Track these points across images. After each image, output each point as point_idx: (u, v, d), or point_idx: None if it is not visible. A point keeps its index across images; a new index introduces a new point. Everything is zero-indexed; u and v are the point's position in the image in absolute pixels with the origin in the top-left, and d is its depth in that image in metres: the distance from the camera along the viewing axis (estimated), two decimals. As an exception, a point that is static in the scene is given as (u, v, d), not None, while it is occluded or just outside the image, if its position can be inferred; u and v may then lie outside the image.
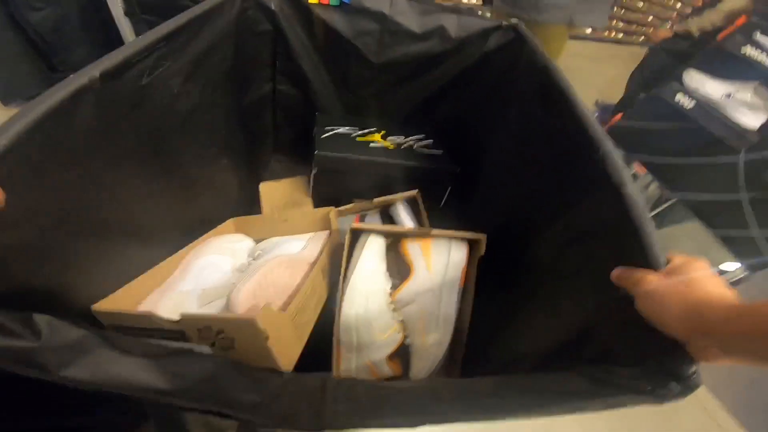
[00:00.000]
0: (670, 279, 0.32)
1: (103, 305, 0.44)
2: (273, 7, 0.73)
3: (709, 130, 1.11)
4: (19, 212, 0.32)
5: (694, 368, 0.30)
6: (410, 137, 0.91)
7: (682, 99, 1.12)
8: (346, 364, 0.56)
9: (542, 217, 0.53)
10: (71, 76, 0.39)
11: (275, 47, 0.80)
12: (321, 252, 0.62)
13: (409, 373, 0.59)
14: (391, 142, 0.89)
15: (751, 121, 1.06)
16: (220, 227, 0.74)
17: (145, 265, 0.54)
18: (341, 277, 0.56)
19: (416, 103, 0.94)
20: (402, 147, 0.88)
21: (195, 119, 0.60)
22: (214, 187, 0.75)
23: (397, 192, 0.79)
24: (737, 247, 1.24)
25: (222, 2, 0.58)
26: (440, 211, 0.93)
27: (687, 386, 0.29)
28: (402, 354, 0.59)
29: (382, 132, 0.91)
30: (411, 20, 0.77)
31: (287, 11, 0.75)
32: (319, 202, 0.89)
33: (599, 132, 0.45)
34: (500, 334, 0.57)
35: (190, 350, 0.36)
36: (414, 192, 0.76)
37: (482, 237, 0.58)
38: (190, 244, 0.65)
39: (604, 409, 0.30)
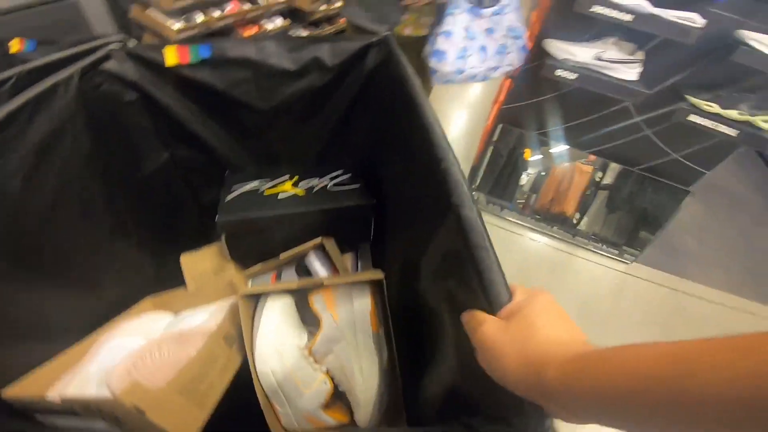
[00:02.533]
0: (508, 325, 0.27)
1: (10, 391, 0.47)
2: (131, 77, 0.70)
3: (598, 92, 1.16)
4: None
5: (545, 426, 0.24)
6: (324, 177, 0.88)
7: (563, 74, 1.14)
8: (286, 419, 0.57)
9: (419, 250, 0.50)
10: None
11: (152, 114, 0.77)
12: (223, 319, 0.61)
13: (354, 419, 0.58)
14: (302, 187, 0.85)
15: (629, 75, 1.12)
16: (135, 307, 0.72)
17: (51, 355, 0.54)
18: (246, 341, 0.56)
19: (323, 140, 0.91)
20: (314, 191, 0.84)
21: (62, 211, 0.56)
22: (123, 268, 0.72)
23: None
24: (668, 174, 1.36)
25: (53, 86, 0.54)
26: (373, 247, 0.90)
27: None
28: (343, 401, 0.59)
29: (294, 178, 0.88)
30: (283, 59, 0.75)
31: (149, 77, 0.72)
32: (243, 264, 0.85)
33: (443, 144, 0.42)
34: (416, 377, 0.54)
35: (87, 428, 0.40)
36: (318, 240, 0.73)
37: (379, 275, 0.56)
38: (103, 326, 0.64)
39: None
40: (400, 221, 0.66)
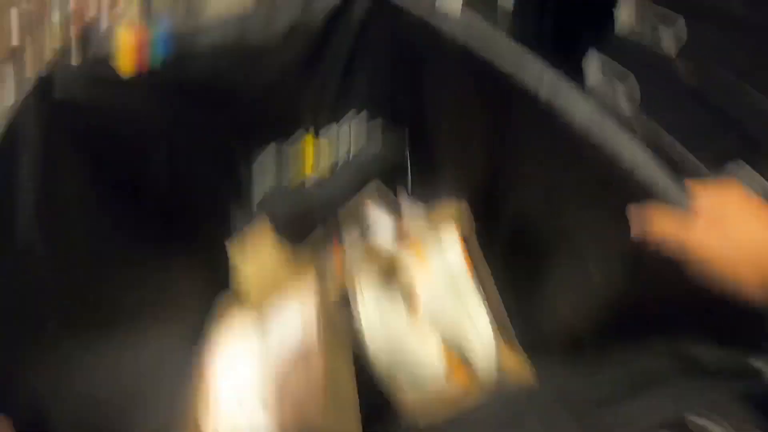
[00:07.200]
0: (720, 229, 0.25)
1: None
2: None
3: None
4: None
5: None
6: (342, 119, 0.77)
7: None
8: (412, 397, 0.55)
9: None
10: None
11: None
12: (320, 319, 0.56)
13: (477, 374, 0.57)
14: (323, 146, 0.77)
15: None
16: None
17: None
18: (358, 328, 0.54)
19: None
20: (339, 167, 0.78)
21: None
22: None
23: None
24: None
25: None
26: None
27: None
28: (463, 363, 0.57)
29: (311, 132, 0.77)
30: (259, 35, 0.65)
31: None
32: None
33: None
34: (524, 307, 0.54)
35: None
36: (372, 186, 0.70)
37: (461, 206, 0.53)
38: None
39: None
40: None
